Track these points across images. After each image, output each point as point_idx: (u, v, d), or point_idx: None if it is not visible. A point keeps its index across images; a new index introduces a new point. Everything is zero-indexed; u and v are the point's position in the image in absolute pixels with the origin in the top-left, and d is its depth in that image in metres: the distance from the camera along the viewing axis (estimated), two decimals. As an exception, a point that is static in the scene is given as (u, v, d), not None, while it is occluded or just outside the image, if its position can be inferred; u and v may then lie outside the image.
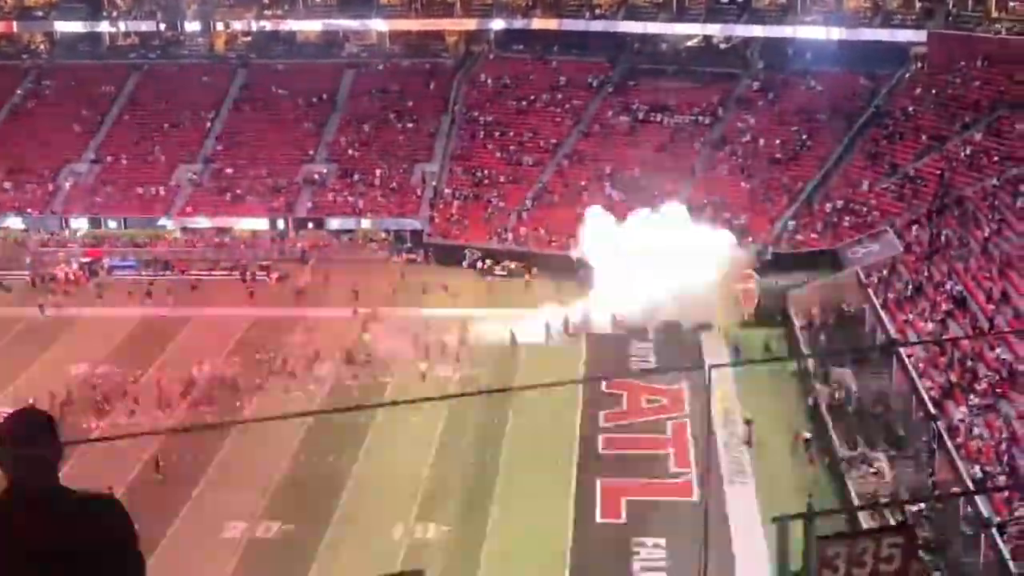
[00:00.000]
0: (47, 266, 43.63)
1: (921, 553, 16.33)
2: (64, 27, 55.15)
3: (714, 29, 51.96)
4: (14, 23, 55.07)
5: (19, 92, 52.86)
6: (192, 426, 30.64)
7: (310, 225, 47.29)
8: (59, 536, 4.19)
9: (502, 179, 46.81)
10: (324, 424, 30.27)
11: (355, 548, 24.67)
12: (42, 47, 56.03)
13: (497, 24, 53.68)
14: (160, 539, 24.13)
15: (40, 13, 55.15)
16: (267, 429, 28.82)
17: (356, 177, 48.13)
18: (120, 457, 27.43)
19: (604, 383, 33.31)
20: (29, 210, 47.46)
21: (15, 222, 47.64)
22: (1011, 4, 47.47)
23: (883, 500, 24.70)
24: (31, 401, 22.87)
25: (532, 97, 50.44)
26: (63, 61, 54.83)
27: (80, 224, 47.61)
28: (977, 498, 22.52)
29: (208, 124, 50.84)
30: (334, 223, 47.01)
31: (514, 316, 36.83)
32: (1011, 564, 18.31)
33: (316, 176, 48.44)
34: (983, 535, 20.16)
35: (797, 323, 35.65)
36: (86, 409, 31.62)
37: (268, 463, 29.39)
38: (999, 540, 20.41)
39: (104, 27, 55.47)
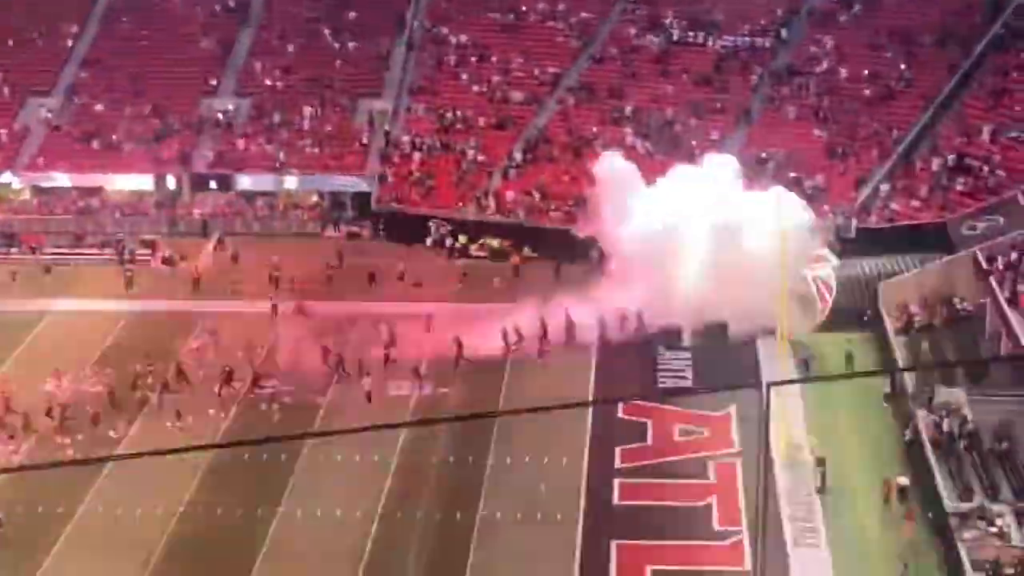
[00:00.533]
0: None
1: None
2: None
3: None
4: None
5: None
6: (44, 464, 30.52)
7: (212, 185, 47.10)
8: None
9: (481, 122, 46.82)
10: (230, 464, 30.12)
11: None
12: None
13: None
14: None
15: None
16: (149, 470, 28.72)
17: (277, 118, 48.00)
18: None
19: (620, 407, 33.33)
20: None
21: None
22: None
23: (1008, 570, 24.68)
24: None
25: (523, 7, 50.50)
26: None
27: None
28: None
29: (69, 42, 50.82)
30: (246, 182, 46.91)
31: (497, 312, 36.68)
32: None
33: (220, 115, 48.35)
34: None
35: (891, 326, 35.74)
36: None
37: (150, 518, 29.32)
38: None
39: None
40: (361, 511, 29.54)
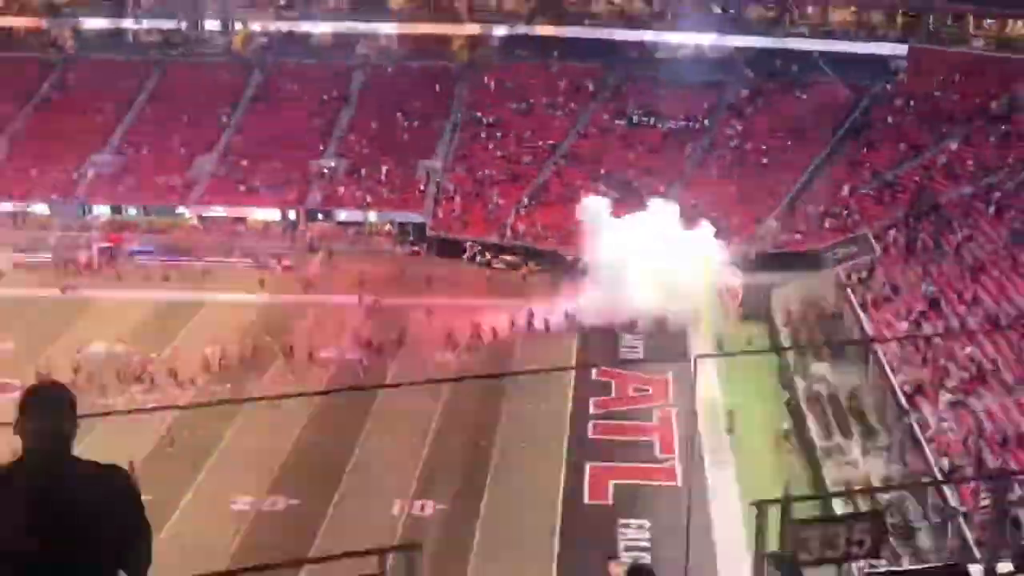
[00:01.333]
0: (70, 250, 43.60)
1: (890, 539, 16.36)
2: (90, 23, 55.18)
3: (706, 39, 51.98)
4: (43, 19, 55.04)
5: (46, 85, 52.91)
6: (206, 403, 30.51)
7: (320, 217, 47.12)
8: (68, 503, 4.24)
9: (502, 178, 46.83)
10: (329, 406, 30.06)
11: (356, 523, 24.61)
12: (68, 42, 55.73)
13: (500, 30, 53.66)
14: (172, 510, 24.22)
15: (68, 10, 55.16)
16: (275, 409, 28.94)
17: (364, 172, 48.09)
18: (136, 432, 27.30)
19: (594, 372, 33.21)
20: (54, 196, 47.38)
21: (40, 208, 47.58)
22: (986, 23, 47.58)
23: (856, 488, 24.68)
24: (49, 376, 22.94)
25: (532, 100, 50.52)
26: (88, 56, 54.78)
27: (102, 211, 47.44)
28: (945, 488, 22.67)
29: (225, 119, 50.88)
30: (342, 215, 46.92)
31: (513, 306, 36.67)
32: (975, 551, 18.33)
33: (326, 170, 48.46)
34: (950, 523, 20.25)
35: (779, 320, 35.78)
36: (104, 385, 31.42)
37: (276, 441, 29.43)
38: (965, 529, 20.47)
39: (128, 24, 55.47)
40: (417, 436, 29.71)
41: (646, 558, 23.23)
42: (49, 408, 4.37)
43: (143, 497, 4.31)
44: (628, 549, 24.81)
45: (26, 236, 45.02)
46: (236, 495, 27.00)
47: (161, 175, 47.92)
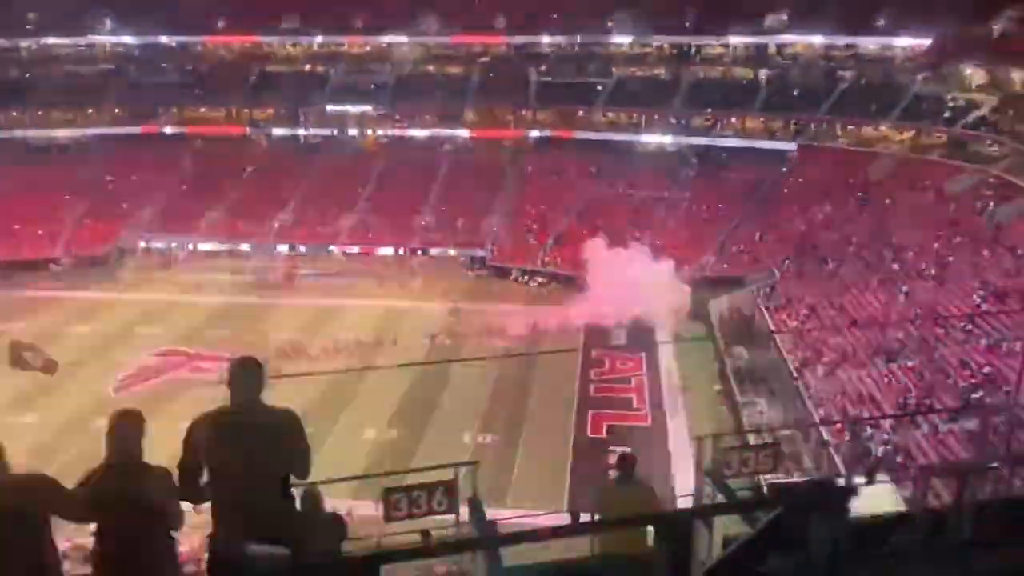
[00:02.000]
0: (264, 273, 44.20)
1: (784, 461, 16.40)
2: (276, 131, 56.05)
3: (667, 139, 52.06)
4: (247, 129, 55.90)
5: (249, 169, 53.59)
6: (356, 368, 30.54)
7: (419, 252, 47.21)
8: (261, 431, 4.43)
9: (535, 226, 47.05)
10: (428, 368, 30.33)
11: (440, 447, 24.65)
12: (263, 142, 56.63)
13: (534, 133, 53.98)
14: (327, 436, 24.34)
15: (263, 124, 56.02)
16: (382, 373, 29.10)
17: (448, 223, 48.31)
18: (316, 386, 27.61)
19: (593, 352, 33.26)
20: (254, 240, 48.08)
21: (245, 247, 48.39)
22: (848, 128, 47.45)
23: (762, 428, 24.57)
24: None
25: (554, 176, 50.75)
26: (276, 150, 55.52)
27: (283, 249, 48.10)
28: (821, 428, 22.62)
29: (360, 190, 51.42)
30: (433, 251, 47.00)
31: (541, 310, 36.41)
32: (841, 468, 18.24)
33: (424, 222, 48.83)
34: (824, 452, 20.10)
35: (714, 320, 35.73)
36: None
37: (391, 392, 29.70)
38: (835, 456, 20.33)
39: (301, 131, 56.36)
40: (482, 392, 29.82)
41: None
42: (249, 373, 4.55)
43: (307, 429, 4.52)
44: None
45: (235, 265, 45.78)
46: (366, 428, 27.32)
47: (320, 226, 48.52)
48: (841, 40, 49.59)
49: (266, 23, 55.45)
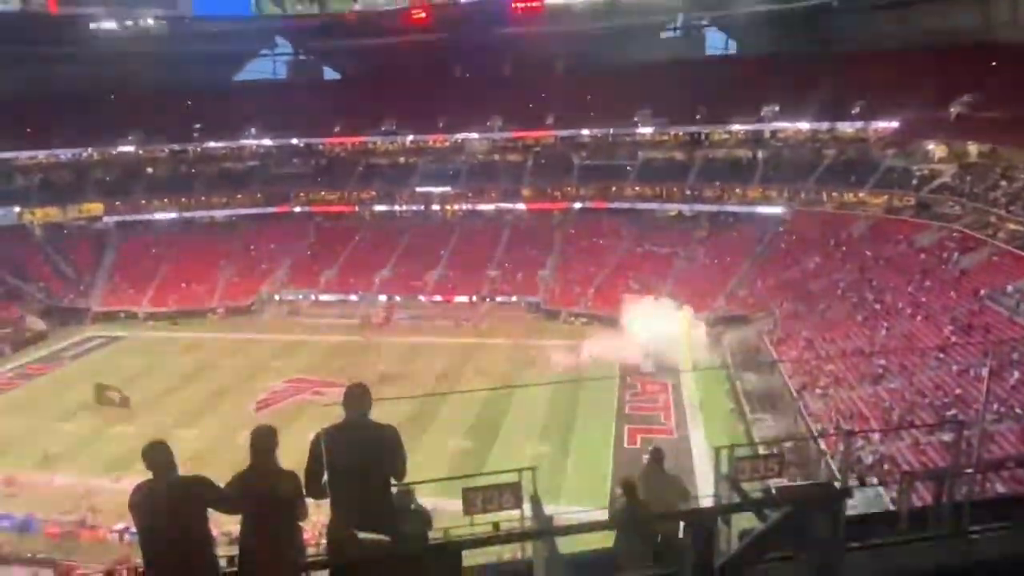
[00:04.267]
0: (367, 317, 44.74)
1: (788, 468, 15.76)
2: (377, 207, 56.81)
3: (684, 207, 51.55)
4: (355, 207, 56.93)
5: (357, 237, 54.49)
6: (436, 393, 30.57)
7: (487, 299, 47.06)
8: (367, 440, 4.45)
9: (579, 277, 46.80)
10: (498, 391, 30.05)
11: (506, 454, 24.50)
12: (367, 215, 57.46)
13: (577, 204, 53.91)
14: (417, 446, 24.25)
15: (367, 201, 57.03)
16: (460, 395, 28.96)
17: (510, 276, 48.33)
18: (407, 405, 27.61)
19: (628, 378, 32.53)
20: (360, 291, 48.69)
21: (352, 297, 48.89)
22: (833, 194, 46.26)
23: (770, 441, 23.72)
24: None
25: (593, 239, 50.48)
26: (375, 221, 56.27)
27: (383, 298, 48.35)
28: (819, 440, 21.72)
29: (442, 252, 51.52)
30: (499, 298, 46.85)
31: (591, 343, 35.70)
32: (837, 474, 17.40)
33: (492, 275, 48.91)
34: (822, 460, 19.27)
35: (726, 351, 34.84)
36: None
37: (468, 411, 29.52)
38: (831, 464, 19.50)
39: (396, 207, 57.11)
40: (538, 410, 29.32)
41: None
42: (359, 396, 4.60)
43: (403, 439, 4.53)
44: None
45: (345, 311, 46.49)
46: (448, 439, 27.10)
47: (411, 280, 49.15)
48: (824, 125, 48.69)
49: (370, 127, 57.08)
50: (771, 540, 2.36)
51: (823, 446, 21.00)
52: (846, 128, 48.15)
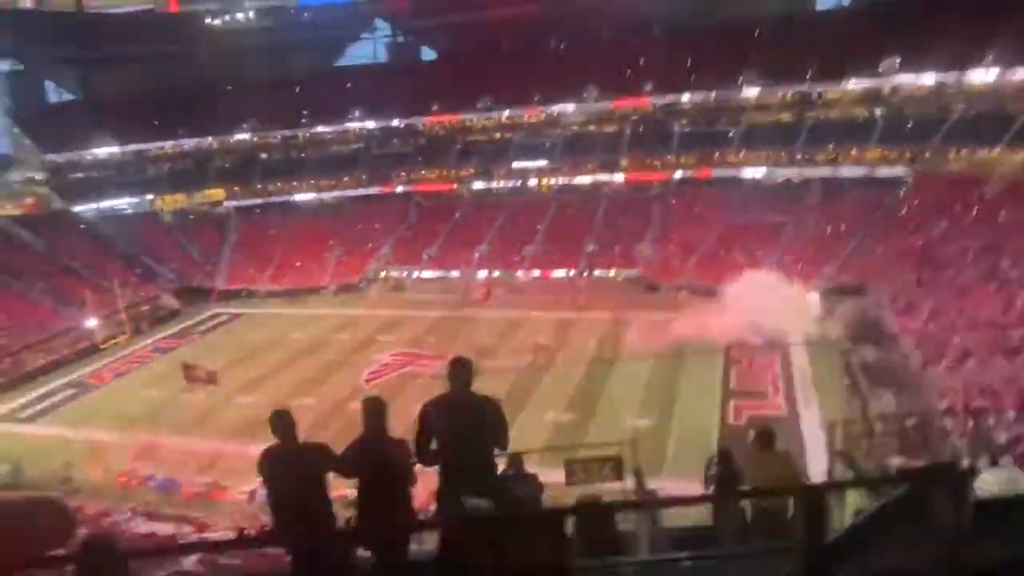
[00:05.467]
0: (468, 292, 45.45)
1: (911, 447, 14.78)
2: (477, 185, 57.14)
3: (793, 173, 48.88)
4: (455, 184, 57.60)
5: (457, 214, 55.51)
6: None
7: (585, 273, 46.73)
8: (474, 411, 4.59)
9: (681, 249, 45.57)
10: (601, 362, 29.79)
11: (605, 429, 24.08)
12: (465, 194, 58.19)
13: (677, 175, 52.22)
14: (516, 418, 24.56)
15: (467, 179, 57.32)
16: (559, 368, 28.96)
17: (609, 249, 47.73)
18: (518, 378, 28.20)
19: (734, 351, 31.15)
20: (461, 266, 49.22)
21: (454, 273, 49.19)
22: (961, 153, 42.27)
23: (888, 418, 22.32)
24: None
25: (696, 210, 48.85)
26: (473, 200, 56.83)
27: (482, 274, 48.72)
28: (946, 418, 20.25)
29: (539, 227, 51.72)
30: (598, 271, 46.51)
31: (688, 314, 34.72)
32: (964, 454, 16.22)
33: (591, 248, 48.52)
34: (948, 440, 18.00)
35: (841, 323, 32.79)
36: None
37: (568, 383, 29.68)
38: (958, 443, 18.22)
39: (493, 184, 57.15)
40: (640, 383, 28.90)
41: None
42: (462, 369, 4.75)
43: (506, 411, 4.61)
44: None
45: (447, 287, 47.49)
46: (547, 411, 27.22)
47: (509, 255, 49.59)
48: (951, 76, 44.50)
49: (467, 105, 57.66)
50: (887, 521, 2.25)
51: (949, 425, 19.60)
52: (977, 78, 43.81)
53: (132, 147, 59.51)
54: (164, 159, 60.88)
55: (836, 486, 3.90)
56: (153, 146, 60.27)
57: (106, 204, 56.59)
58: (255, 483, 19.74)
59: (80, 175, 58.74)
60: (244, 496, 22.08)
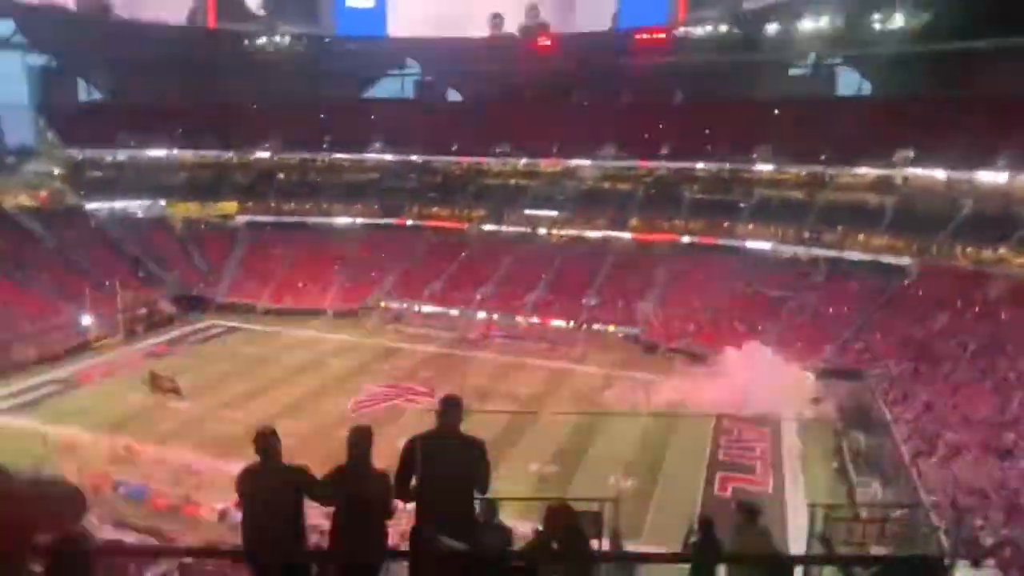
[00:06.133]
0: (466, 331, 45.42)
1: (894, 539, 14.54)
2: (487, 227, 57.53)
3: (800, 250, 49.14)
4: (465, 224, 57.85)
5: (464, 253, 55.71)
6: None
7: (584, 326, 46.55)
8: (458, 450, 4.58)
9: (682, 313, 45.53)
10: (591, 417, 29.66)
11: (587, 484, 24.06)
12: (474, 232, 58.23)
13: (685, 239, 52.44)
14: (499, 466, 24.39)
15: (476, 221, 57.83)
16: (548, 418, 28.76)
17: (609, 305, 47.67)
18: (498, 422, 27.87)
19: (725, 421, 31.16)
20: (461, 306, 49.31)
21: (454, 312, 49.20)
22: (968, 249, 42.68)
23: (874, 506, 22.00)
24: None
25: (701, 275, 48.86)
26: (479, 240, 56.93)
27: (482, 315, 48.64)
28: (931, 513, 19.95)
29: (544, 276, 51.74)
30: (596, 326, 46.29)
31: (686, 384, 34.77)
32: (945, 546, 15.96)
33: (592, 303, 48.41)
34: (933, 535, 17.68)
35: (833, 405, 32.71)
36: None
37: (554, 435, 29.34)
38: (943, 539, 17.91)
39: (502, 228, 57.44)
40: (626, 443, 28.58)
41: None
42: (452, 407, 4.77)
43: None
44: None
45: (446, 324, 47.23)
46: (532, 462, 26.91)
47: (511, 300, 49.56)
48: (963, 174, 45.22)
49: (485, 148, 58.53)
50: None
51: (935, 520, 19.29)
52: (988, 179, 44.53)
53: (153, 152, 60.36)
54: (183, 168, 61.69)
55: (809, 560, 3.89)
56: (174, 153, 61.13)
57: (119, 205, 57.05)
58: (229, 501, 19.42)
59: (98, 174, 59.43)
60: (215, 513, 21.68)
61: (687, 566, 5.99)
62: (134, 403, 32.09)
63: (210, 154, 61.39)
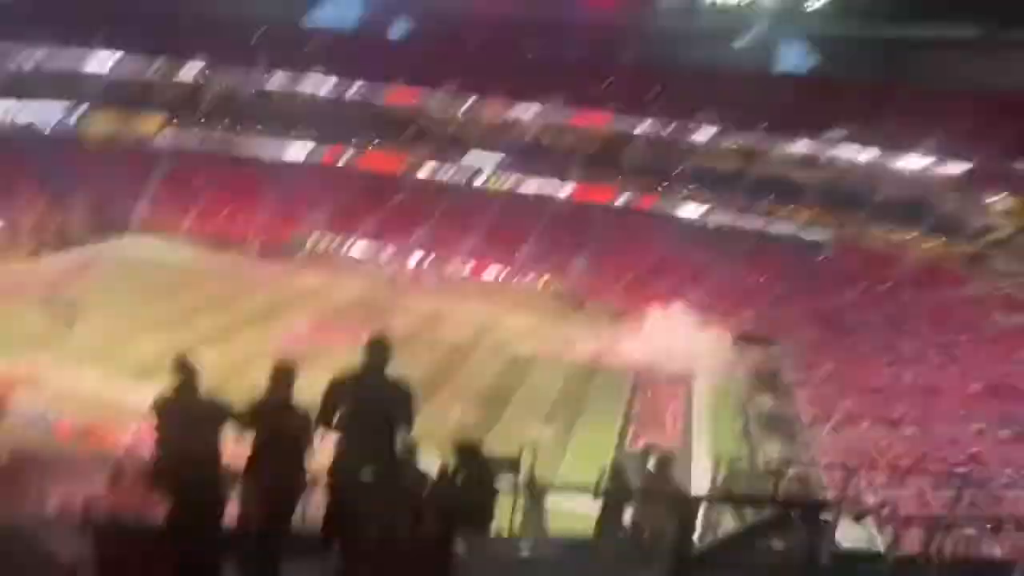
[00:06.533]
0: (396, 275, 44.39)
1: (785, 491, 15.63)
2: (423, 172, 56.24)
3: (728, 219, 50.25)
4: (403, 167, 56.07)
5: (396, 198, 53.91)
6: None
7: (516, 278, 46.43)
8: (382, 388, 4.60)
9: (612, 272, 45.91)
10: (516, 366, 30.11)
11: (507, 431, 24.34)
12: (412, 177, 56.28)
13: (621, 200, 52.79)
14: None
15: (411, 162, 56.00)
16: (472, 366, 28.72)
17: (542, 259, 47.51)
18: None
19: (643, 379, 32.05)
20: (393, 249, 48.23)
21: (384, 253, 48.17)
22: (881, 231, 44.83)
23: (772, 464, 23.49)
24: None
25: (633, 237, 49.29)
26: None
27: (414, 259, 47.71)
28: (821, 472, 21.44)
29: (476, 227, 51.37)
30: (528, 278, 46.33)
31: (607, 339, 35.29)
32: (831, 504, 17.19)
33: (525, 255, 48.07)
34: (824, 494, 19.05)
35: (744, 369, 34.37)
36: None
37: (480, 384, 29.53)
38: (830, 495, 19.29)
39: (441, 174, 56.12)
40: (545, 393, 29.10)
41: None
42: (380, 347, 4.76)
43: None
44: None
45: (375, 266, 46.20)
46: (456, 408, 26.60)
47: (445, 248, 48.62)
48: (885, 159, 47.23)
49: (428, 89, 56.27)
50: (750, 540, 2.43)
51: (826, 480, 20.77)
52: (908, 166, 46.76)
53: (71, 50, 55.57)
54: (103, 74, 57.17)
55: (709, 499, 4.13)
56: (94, 54, 56.49)
57: (27, 104, 52.38)
58: (140, 429, 18.78)
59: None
60: (125, 440, 20.98)
61: (597, 514, 6.28)
62: (41, 325, 30.36)
63: (135, 60, 57.11)
